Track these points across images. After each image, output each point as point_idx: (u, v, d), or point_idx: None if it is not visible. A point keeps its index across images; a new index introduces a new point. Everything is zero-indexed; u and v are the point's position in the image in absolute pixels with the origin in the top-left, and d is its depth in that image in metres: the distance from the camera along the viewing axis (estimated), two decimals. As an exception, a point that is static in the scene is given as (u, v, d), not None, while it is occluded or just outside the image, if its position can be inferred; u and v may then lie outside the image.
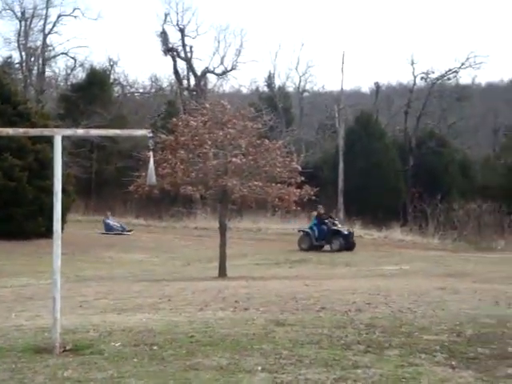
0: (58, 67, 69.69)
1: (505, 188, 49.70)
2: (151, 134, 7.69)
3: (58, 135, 7.24)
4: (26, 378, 6.14)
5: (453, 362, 6.71)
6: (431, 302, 11.50)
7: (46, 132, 8.02)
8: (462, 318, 9.53)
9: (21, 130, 7.52)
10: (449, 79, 57.19)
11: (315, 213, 30.96)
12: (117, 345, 7.58)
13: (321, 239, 30.67)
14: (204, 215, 39.95)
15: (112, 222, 35.63)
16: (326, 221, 30.76)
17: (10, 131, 7.92)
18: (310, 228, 30.95)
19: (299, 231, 31.89)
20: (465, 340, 7.86)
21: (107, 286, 15.77)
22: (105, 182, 44.84)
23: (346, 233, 30.77)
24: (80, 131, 7.63)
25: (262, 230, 39.09)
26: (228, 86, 78.76)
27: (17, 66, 51.37)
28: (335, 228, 30.83)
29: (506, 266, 22.12)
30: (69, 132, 7.66)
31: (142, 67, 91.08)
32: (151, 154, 7.63)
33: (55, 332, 7.36)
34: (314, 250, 30.03)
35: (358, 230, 39.58)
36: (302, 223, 39.86)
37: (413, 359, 6.87)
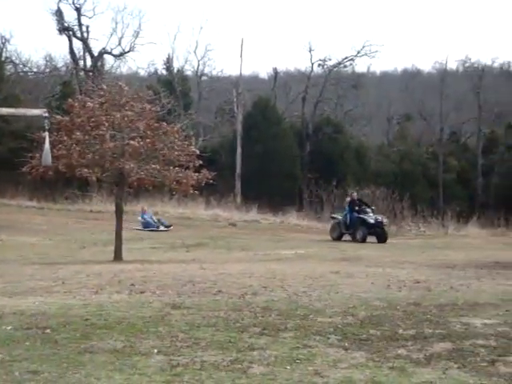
0: None
1: (397, 175, 51.07)
2: (47, 114, 7.55)
3: (-51, 112, 7.00)
4: None
5: (345, 344, 6.86)
6: (326, 285, 11.71)
7: None
8: (355, 301, 9.75)
9: None
10: (345, 67, 58.18)
11: (348, 199, 28.16)
12: (8, 328, 7.41)
13: (352, 228, 27.76)
14: (100, 198, 39.36)
15: (149, 217, 31.45)
16: (357, 208, 27.80)
17: None
18: (344, 216, 28.18)
19: (331, 218, 30.02)
20: (357, 322, 8.04)
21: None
22: (-4, 163, 43.55)
23: (371, 221, 27.14)
24: (-28, 108, 7.37)
25: (158, 214, 38.81)
26: (125, 67, 77.57)
27: None
28: (361, 216, 27.41)
29: (397, 251, 22.70)
30: (-40, 109, 7.41)
31: (36, 46, 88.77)
32: (47, 134, 7.48)
33: None
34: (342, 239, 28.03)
35: (255, 215, 39.92)
36: (199, 208, 39.92)
37: (307, 341, 6.98)
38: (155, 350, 6.48)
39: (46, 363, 5.93)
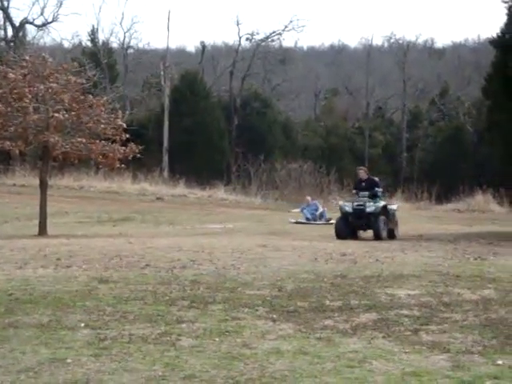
0: None
1: (324, 149, 51.55)
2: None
3: None
4: None
5: (274, 316, 6.91)
6: (254, 258, 11.77)
7: None
8: (283, 273, 9.83)
9: None
10: (273, 41, 58.23)
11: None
12: None
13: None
14: (23, 172, 38.63)
15: (311, 211, 25.56)
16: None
17: None
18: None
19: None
20: (285, 294, 8.11)
21: None
22: None
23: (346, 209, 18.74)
24: None
25: (84, 188, 38.38)
26: (49, 38, 76.13)
27: None
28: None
29: (324, 226, 22.97)
30: None
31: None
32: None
33: None
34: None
35: (183, 189, 39.80)
36: (126, 183, 39.57)
37: (236, 313, 7.01)
38: (82, 324, 6.43)
39: (-31, 339, 5.82)
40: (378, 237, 18.11)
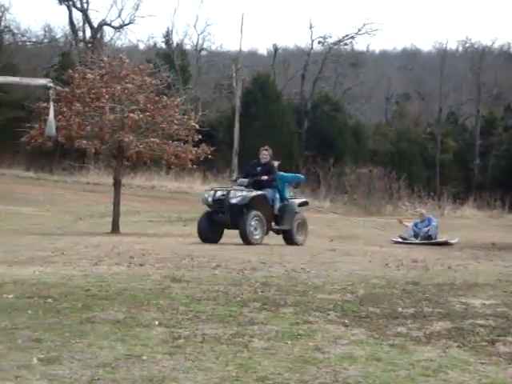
0: None
1: (394, 154, 51.08)
2: (51, 84, 7.51)
3: (-47, 79, 6.97)
4: None
5: (345, 320, 6.89)
6: (324, 262, 11.76)
7: None
8: (354, 278, 9.79)
9: None
10: (345, 45, 58.04)
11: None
12: (9, 296, 7.43)
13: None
14: (97, 170, 39.35)
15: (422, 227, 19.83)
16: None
17: None
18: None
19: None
20: (357, 299, 8.07)
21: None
22: (-6, 133, 43.47)
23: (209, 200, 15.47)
24: (-23, 77, 7.33)
25: (155, 188, 38.89)
26: (125, 40, 77.18)
27: None
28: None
29: (388, 231, 22.77)
30: (-35, 77, 7.37)
31: (35, 16, 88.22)
32: (51, 104, 7.45)
33: None
34: None
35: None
36: (196, 183, 39.92)
37: (307, 317, 7.01)
38: (156, 322, 6.51)
39: (48, 332, 5.95)
40: (244, 239, 14.26)
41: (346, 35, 56.62)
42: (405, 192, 38.58)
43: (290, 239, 15.41)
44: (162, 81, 21.64)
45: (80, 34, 53.05)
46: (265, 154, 15.58)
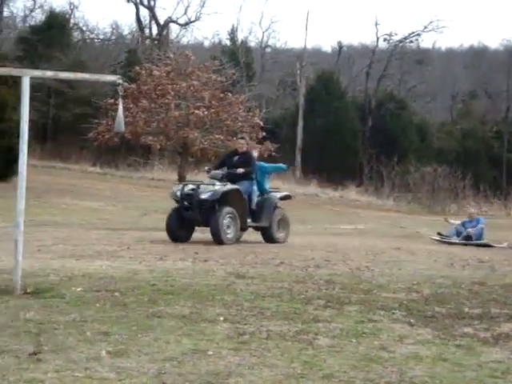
0: (17, 8, 68.27)
1: (460, 153, 50.34)
2: (121, 81, 7.59)
3: (27, 76, 7.13)
4: (-12, 318, 6.12)
5: (411, 320, 6.83)
6: (388, 261, 11.68)
7: (14, 72, 7.86)
8: (419, 277, 9.70)
9: (-12, 69, 7.39)
10: (411, 42, 57.41)
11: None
12: (78, 290, 7.57)
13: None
14: (161, 166, 39.74)
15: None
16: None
17: (-23, 69, 7.77)
18: None
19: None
20: (422, 299, 8.00)
21: (64, 232, 15.69)
22: (61, 128, 44.28)
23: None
24: (49, 73, 7.49)
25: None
26: (190, 37, 77.83)
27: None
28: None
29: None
30: (38, 73, 7.52)
31: (103, 13, 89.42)
32: (120, 100, 7.55)
33: (16, 274, 7.32)
34: None
35: (314, 189, 39.89)
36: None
37: (372, 315, 6.98)
38: (221, 318, 6.56)
39: (116, 325, 6.05)
40: (215, 238, 12.78)
41: (412, 32, 56.08)
42: (470, 191, 38.01)
43: (269, 237, 13.90)
44: (227, 78, 21.76)
45: (146, 31, 53.64)
46: (241, 143, 13.77)
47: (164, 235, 14.50)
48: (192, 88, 19.95)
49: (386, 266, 10.88)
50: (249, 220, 13.51)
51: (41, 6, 52.86)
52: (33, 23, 51.67)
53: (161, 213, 25.16)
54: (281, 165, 15.46)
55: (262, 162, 14.27)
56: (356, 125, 50.76)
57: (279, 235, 14.27)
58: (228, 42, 57.18)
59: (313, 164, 45.16)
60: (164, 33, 52.00)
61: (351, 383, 4.78)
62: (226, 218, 12.89)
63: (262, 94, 53.92)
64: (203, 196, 12.92)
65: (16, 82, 29.78)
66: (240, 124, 20.39)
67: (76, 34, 54.23)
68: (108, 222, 20.96)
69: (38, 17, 52.77)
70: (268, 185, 14.35)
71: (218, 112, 20.21)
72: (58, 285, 7.77)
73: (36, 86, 40.98)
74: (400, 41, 56.46)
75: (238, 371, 4.91)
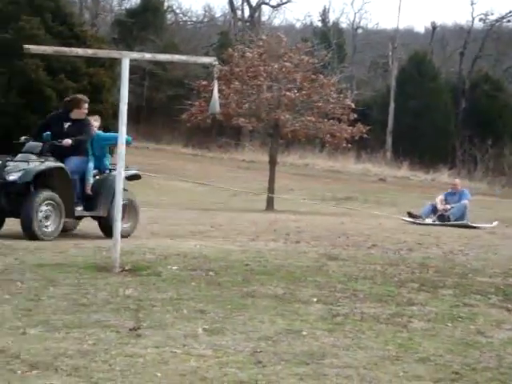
0: (113, -9, 69.23)
1: (557, 137, 48.79)
2: (216, 63, 7.68)
3: (126, 58, 7.28)
4: (89, 294, 6.30)
5: (508, 305, 6.71)
6: (483, 245, 11.49)
7: (113, 54, 8.04)
8: (515, 262, 9.51)
9: (89, 51, 7.56)
10: (508, 21, 55.82)
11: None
12: (174, 268, 7.72)
13: None
14: (252, 148, 39.97)
15: None
16: None
17: (79, 51, 7.97)
18: None
19: None
20: (519, 284, 7.84)
21: (158, 212, 16.01)
22: (155, 110, 44.98)
23: None
24: (147, 55, 7.64)
25: (309, 166, 39.07)
26: (281, 19, 77.83)
27: (73, -13, 51.27)
28: None
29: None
30: (136, 55, 7.67)
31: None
32: (216, 82, 7.63)
33: (115, 252, 7.51)
34: None
35: (405, 172, 39.43)
36: (349, 162, 39.82)
37: (467, 300, 6.89)
38: (315, 299, 6.58)
39: (211, 304, 6.15)
40: (27, 231, 9.81)
41: (510, 12, 54.52)
42: None
43: (108, 229, 9.90)
44: (319, 59, 21.68)
45: (239, 13, 53.87)
46: (84, 108, 10.47)
47: (255, 216, 14.64)
48: (284, 70, 19.96)
49: (480, 251, 10.70)
50: (79, 208, 10.33)
51: (136, -11, 53.65)
52: (128, 6, 52.54)
53: (252, 194, 25.42)
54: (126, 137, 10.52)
55: (100, 132, 11.02)
56: (449, 107, 49.79)
57: (122, 227, 8.82)
58: (319, 24, 56.89)
59: (404, 146, 44.56)
60: (256, 15, 52.11)
61: (448, 367, 4.73)
62: (43, 206, 9.81)
63: (353, 76, 53.49)
64: (11, 177, 9.78)
65: (111, 64, 30.46)
66: (331, 106, 20.32)
67: (170, 17, 54.88)
68: (199, 202, 21.29)
69: (134, 0, 53.65)
70: (109, 160, 10.99)
71: (310, 94, 20.18)
72: (155, 263, 7.94)
73: (131, 68, 41.39)
74: (497, 20, 55.01)
75: (333, 352, 4.93)
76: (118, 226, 7.60)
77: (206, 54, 41.45)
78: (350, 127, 20.71)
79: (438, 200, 15.89)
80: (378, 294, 6.93)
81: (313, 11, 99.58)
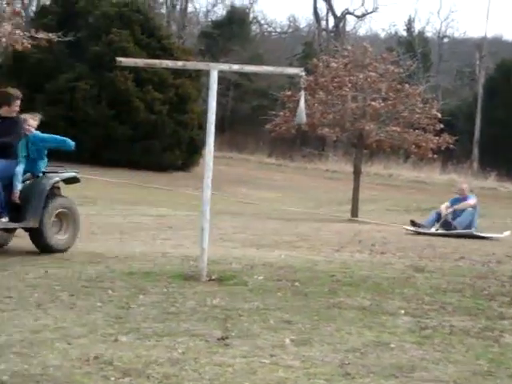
0: (200, 3, 70.41)
1: None
2: (303, 73, 7.69)
3: (215, 70, 7.37)
4: (178, 302, 6.39)
5: None
6: None
7: (202, 66, 8.15)
8: None
9: (179, 63, 7.69)
10: None
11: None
12: (260, 278, 7.75)
13: None
14: (335, 158, 39.84)
15: None
16: None
17: (169, 63, 8.12)
18: None
19: None
20: None
21: (242, 221, 16.11)
22: (239, 120, 45.36)
23: None
24: (235, 66, 7.71)
25: (393, 176, 38.70)
26: (367, 28, 77.50)
27: (161, 0, 52.23)
28: None
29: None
30: (224, 67, 7.75)
31: (280, 7, 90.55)
32: (303, 93, 7.65)
33: (202, 261, 7.60)
34: None
35: (493, 183, 38.62)
36: (435, 173, 39.25)
37: (561, 315, 6.70)
38: (402, 311, 6.51)
39: (297, 314, 6.15)
40: None
41: None
42: None
43: (40, 242, 9.05)
44: (404, 69, 21.49)
45: (323, 23, 53.91)
46: (15, 105, 9.10)
47: (339, 226, 14.57)
48: (369, 79, 19.85)
49: None
50: (4, 219, 8.73)
51: (222, 1, 54.42)
52: (214, 18, 53.23)
53: (335, 204, 25.32)
54: (67, 140, 9.59)
55: (38, 133, 9.49)
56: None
57: (58, 239, 9.12)
58: (404, 33, 56.39)
59: (491, 157, 43.66)
60: (340, 25, 52.01)
61: (542, 384, 4.62)
62: None
63: (439, 85, 52.77)
64: None
65: (197, 75, 30.90)
66: (417, 115, 20.09)
67: (254, 28, 55.33)
68: (283, 212, 21.31)
69: (220, 12, 54.34)
70: (44, 164, 9.48)
71: (395, 104, 20.00)
72: (241, 273, 8.00)
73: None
74: None
75: (422, 366, 4.87)
76: (206, 235, 7.68)
77: (290, 65, 41.57)
78: (436, 137, 20.42)
79: (443, 207, 14.92)
80: (467, 308, 6.82)
81: (398, 20, 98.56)
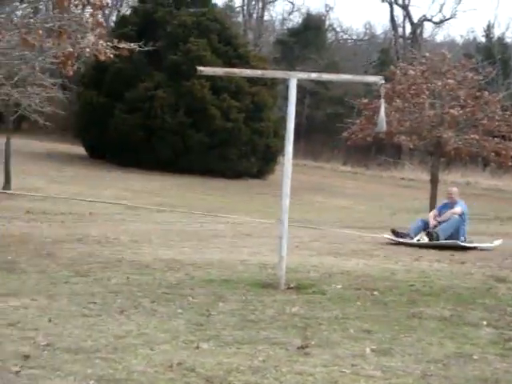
0: (276, 12, 70.79)
1: None
2: (383, 81, 7.66)
3: (294, 78, 7.40)
4: (257, 310, 6.42)
5: None
6: None
7: (280, 74, 8.19)
8: None
9: (258, 72, 7.76)
10: None
11: None
12: (338, 287, 7.73)
13: None
14: (411, 166, 39.42)
15: None
16: None
17: (248, 72, 8.19)
18: None
19: None
20: None
21: (318, 229, 16.08)
22: (314, 128, 45.30)
23: None
24: (313, 75, 7.74)
25: (470, 184, 38.06)
26: (445, 35, 76.46)
27: (237, 9, 52.67)
28: None
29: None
30: (303, 75, 7.76)
31: (356, 14, 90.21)
32: (382, 101, 7.61)
33: (281, 269, 7.62)
34: None
35: None
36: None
37: None
38: (484, 322, 6.41)
39: (377, 324, 6.12)
40: None
41: None
42: None
43: None
44: (484, 76, 21.17)
45: (400, 30, 53.44)
46: None
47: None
48: (447, 87, 19.63)
49: None
50: None
51: (298, 9, 54.52)
52: (290, 26, 53.32)
53: (412, 212, 25.01)
54: None
55: None
56: None
57: None
58: (483, 39, 55.47)
59: None
60: (418, 31, 51.46)
61: None
62: None
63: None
64: None
65: (273, 83, 30.99)
66: (497, 123, 19.77)
67: (330, 36, 55.24)
68: (359, 220, 21.18)
69: (296, 19, 54.43)
70: None
71: (474, 111, 19.73)
72: (319, 281, 7.99)
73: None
74: None
75: (507, 379, 4.79)
76: (284, 243, 7.71)
77: (366, 72, 41.36)
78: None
79: (431, 215, 13.82)
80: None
81: (476, 26, 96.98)
